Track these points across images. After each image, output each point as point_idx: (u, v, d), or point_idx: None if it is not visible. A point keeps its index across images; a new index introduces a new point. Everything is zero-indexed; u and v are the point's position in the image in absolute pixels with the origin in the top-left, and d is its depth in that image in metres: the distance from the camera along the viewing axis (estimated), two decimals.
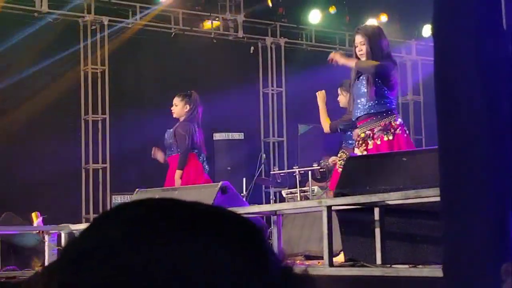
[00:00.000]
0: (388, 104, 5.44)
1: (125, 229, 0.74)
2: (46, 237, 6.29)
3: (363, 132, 5.42)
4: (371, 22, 11.51)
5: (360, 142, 5.44)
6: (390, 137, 5.31)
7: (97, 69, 10.39)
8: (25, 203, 8.72)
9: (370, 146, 5.34)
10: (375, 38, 5.45)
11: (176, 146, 6.96)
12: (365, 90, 5.39)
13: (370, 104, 5.39)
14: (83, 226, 7.01)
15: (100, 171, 10.31)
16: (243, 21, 11.43)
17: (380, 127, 5.35)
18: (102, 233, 0.75)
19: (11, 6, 9.69)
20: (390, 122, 5.38)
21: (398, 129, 5.38)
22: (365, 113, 5.40)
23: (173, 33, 11.02)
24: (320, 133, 11.77)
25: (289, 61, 12.01)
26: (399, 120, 5.49)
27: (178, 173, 6.87)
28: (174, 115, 7.13)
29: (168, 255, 0.71)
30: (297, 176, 9.30)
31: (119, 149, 10.42)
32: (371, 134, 5.37)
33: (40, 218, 6.98)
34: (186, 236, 0.73)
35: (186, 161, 6.89)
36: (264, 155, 10.81)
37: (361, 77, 5.46)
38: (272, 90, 11.99)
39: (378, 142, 5.31)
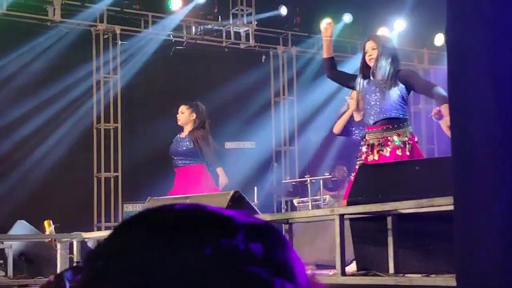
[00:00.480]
0: (405, 112, 5.39)
1: (151, 233, 0.74)
2: (59, 245, 6.30)
3: (375, 138, 5.35)
4: (383, 31, 11.51)
5: (374, 148, 5.36)
6: (408, 151, 5.25)
7: (109, 77, 10.44)
8: (37, 211, 8.75)
9: (386, 154, 5.26)
10: (387, 45, 5.44)
11: (196, 155, 7.03)
12: (379, 95, 5.33)
13: (383, 111, 5.35)
14: (95, 234, 7.02)
15: (112, 179, 10.33)
16: (254, 30, 11.46)
17: (398, 137, 5.29)
18: (128, 237, 0.75)
19: (23, 15, 9.75)
20: (408, 133, 5.33)
21: (414, 144, 5.34)
22: (381, 118, 5.34)
23: (185, 42, 11.06)
24: (332, 142, 11.79)
25: (300, 70, 12.02)
26: (414, 135, 5.43)
27: (220, 170, 7.04)
28: (179, 123, 7.21)
29: (194, 260, 0.71)
30: (309, 185, 9.30)
31: (130, 157, 10.44)
32: (385, 142, 5.30)
33: (53, 226, 6.99)
34: (212, 242, 0.73)
35: (218, 159, 7.11)
36: (275, 164, 10.81)
37: (372, 81, 5.41)
38: (284, 99, 11.99)
39: (399, 153, 5.22)
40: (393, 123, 5.29)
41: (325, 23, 5.67)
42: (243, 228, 0.76)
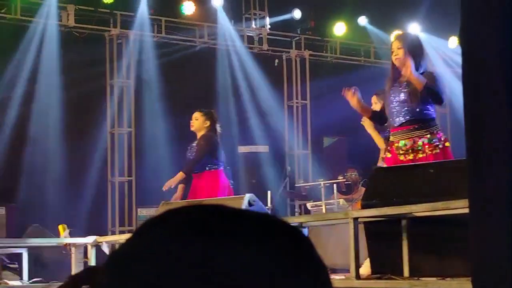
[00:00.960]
0: (432, 112, 5.32)
1: (174, 232, 0.73)
2: (73, 249, 6.32)
3: (402, 139, 5.26)
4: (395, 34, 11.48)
5: (404, 151, 5.25)
6: (438, 150, 5.19)
7: (122, 82, 10.47)
8: (51, 215, 8.79)
9: (420, 155, 5.17)
10: (413, 44, 5.38)
11: (210, 161, 7.05)
12: (405, 97, 5.28)
13: (412, 110, 5.26)
14: (109, 238, 7.03)
15: (126, 184, 10.35)
16: (267, 34, 11.45)
17: (427, 138, 5.22)
18: (151, 236, 0.74)
19: (38, 21, 9.80)
20: (437, 132, 5.27)
21: (446, 142, 5.27)
22: (408, 119, 5.29)
23: (198, 47, 11.08)
24: (345, 145, 11.77)
25: (313, 74, 12.00)
26: (442, 133, 5.36)
27: (181, 174, 6.96)
28: (192, 129, 7.24)
29: (218, 259, 0.70)
30: (322, 189, 9.27)
31: (144, 162, 10.46)
32: (415, 144, 5.23)
33: (67, 231, 7.01)
34: (237, 241, 0.72)
35: (195, 167, 6.97)
36: (289, 168, 10.79)
37: (403, 83, 5.33)
38: (297, 102, 11.98)
39: (435, 151, 5.15)
40: (421, 122, 5.23)
41: (347, 95, 5.55)
42: (276, 229, 0.75)
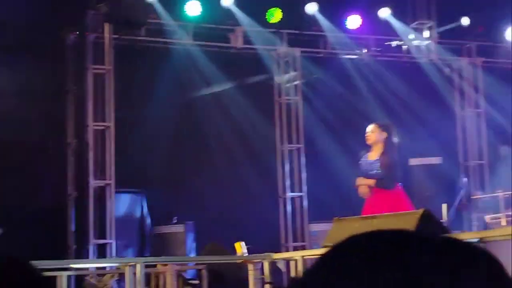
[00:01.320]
0: None
1: (368, 256, 0.74)
2: (250, 266, 6.42)
3: None
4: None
5: None
6: None
7: (290, 99, 10.61)
8: (227, 233, 9.03)
9: None
10: None
11: (385, 176, 6.94)
12: None
13: None
14: (284, 255, 7.11)
15: (297, 199, 10.44)
16: (437, 43, 11.17)
17: None
18: (345, 260, 0.75)
19: (208, 44, 10.14)
20: None
21: None
22: None
23: (365, 59, 11.01)
24: None
25: (486, 81, 11.55)
26: None
27: (373, 181, 6.90)
28: (369, 142, 7.13)
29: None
30: (501, 200, 8.89)
31: (314, 177, 10.51)
32: None
33: (245, 248, 7.16)
34: (439, 268, 0.72)
35: (392, 185, 6.89)
36: (464, 179, 10.43)
37: None
38: (470, 111, 11.56)
39: None
40: None
41: None
42: (478, 258, 0.74)
